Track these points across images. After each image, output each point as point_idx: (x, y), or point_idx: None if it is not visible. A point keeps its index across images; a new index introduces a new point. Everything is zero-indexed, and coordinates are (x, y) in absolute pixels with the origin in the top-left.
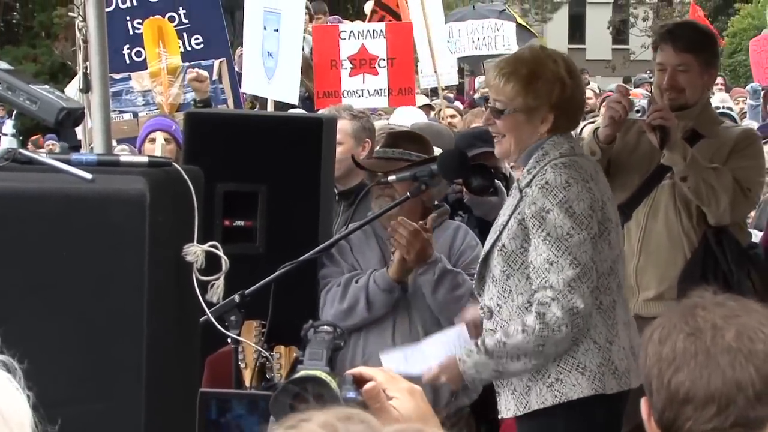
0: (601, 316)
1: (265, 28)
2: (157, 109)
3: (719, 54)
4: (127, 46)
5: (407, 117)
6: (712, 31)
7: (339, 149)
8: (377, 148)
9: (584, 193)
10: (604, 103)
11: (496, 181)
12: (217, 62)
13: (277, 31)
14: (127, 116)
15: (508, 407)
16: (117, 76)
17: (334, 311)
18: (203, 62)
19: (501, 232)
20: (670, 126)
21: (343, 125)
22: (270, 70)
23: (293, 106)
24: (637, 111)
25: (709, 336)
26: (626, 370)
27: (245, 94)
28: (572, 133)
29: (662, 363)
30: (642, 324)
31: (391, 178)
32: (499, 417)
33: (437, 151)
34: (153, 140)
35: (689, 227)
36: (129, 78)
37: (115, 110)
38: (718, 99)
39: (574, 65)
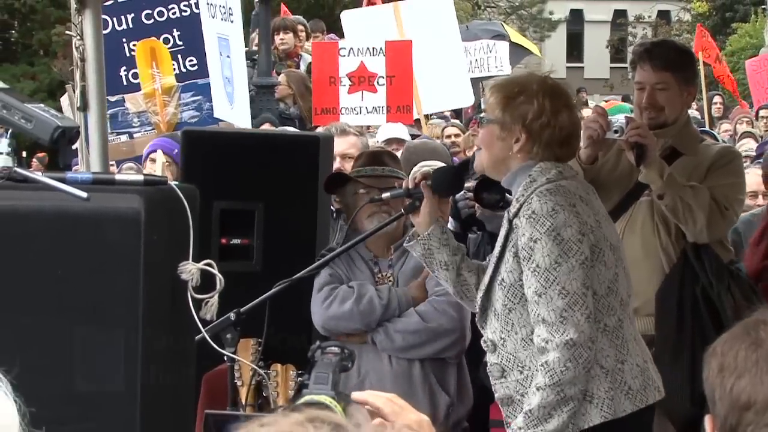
0: (607, 337)
1: (221, 54)
2: (153, 129)
3: (698, 72)
4: (124, 68)
5: (392, 133)
6: (692, 49)
7: (352, 165)
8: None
9: (572, 219)
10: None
11: (508, 195)
12: None
13: (229, 57)
14: (123, 137)
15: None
16: (112, 99)
17: (344, 309)
18: (199, 81)
19: (498, 266)
20: (648, 143)
21: (354, 141)
22: (230, 95)
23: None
24: (615, 131)
25: None
26: (642, 387)
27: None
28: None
29: (724, 372)
30: None
31: (386, 195)
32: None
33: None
34: (154, 160)
35: (668, 243)
36: (123, 100)
37: (112, 132)
38: (746, 147)
39: (564, 96)
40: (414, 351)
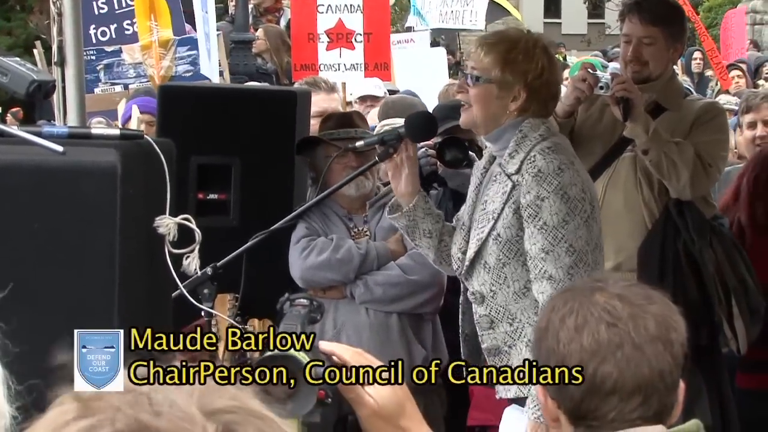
0: None
1: (202, 10)
2: (148, 81)
3: (687, 28)
4: (93, 25)
5: (367, 90)
6: (681, 4)
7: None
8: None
9: (576, 177)
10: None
11: (471, 153)
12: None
13: (206, 12)
14: (118, 88)
15: (507, 390)
16: (108, 49)
17: (322, 258)
18: (194, 36)
19: (496, 221)
20: (634, 98)
21: (335, 97)
22: (209, 51)
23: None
24: (601, 87)
25: (631, 326)
26: None
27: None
28: None
29: (583, 353)
30: None
31: (359, 143)
32: (498, 397)
33: None
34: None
35: (650, 198)
36: (120, 51)
37: (106, 82)
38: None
39: (553, 54)
40: (394, 304)
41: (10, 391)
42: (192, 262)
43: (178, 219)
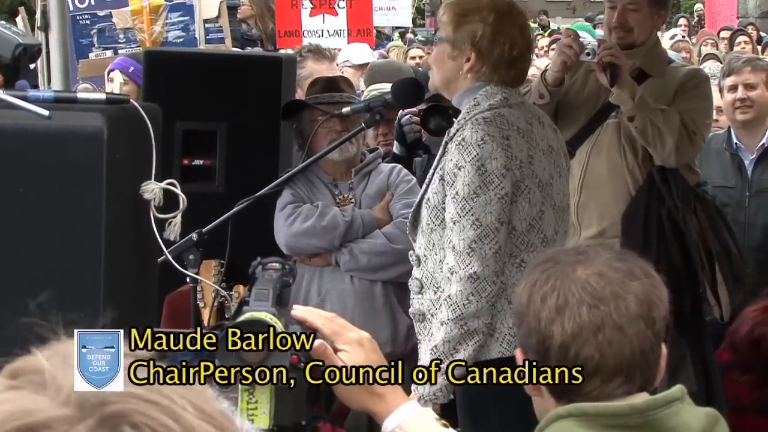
0: (521, 274)
1: None
2: (138, 46)
3: None
4: None
5: (360, 54)
6: None
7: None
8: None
9: (499, 152)
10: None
11: (454, 120)
12: (217, 2)
13: None
14: (109, 53)
15: None
16: (101, 13)
17: (307, 225)
18: (187, 1)
19: (428, 186)
20: (621, 64)
21: (335, 66)
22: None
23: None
24: (588, 54)
25: (612, 306)
26: None
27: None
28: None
29: (564, 336)
30: None
31: (346, 110)
32: None
33: None
34: (112, 80)
35: (634, 165)
36: (111, 16)
37: (98, 47)
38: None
39: (515, 15)
40: (379, 273)
41: None
42: (173, 229)
43: (163, 184)
